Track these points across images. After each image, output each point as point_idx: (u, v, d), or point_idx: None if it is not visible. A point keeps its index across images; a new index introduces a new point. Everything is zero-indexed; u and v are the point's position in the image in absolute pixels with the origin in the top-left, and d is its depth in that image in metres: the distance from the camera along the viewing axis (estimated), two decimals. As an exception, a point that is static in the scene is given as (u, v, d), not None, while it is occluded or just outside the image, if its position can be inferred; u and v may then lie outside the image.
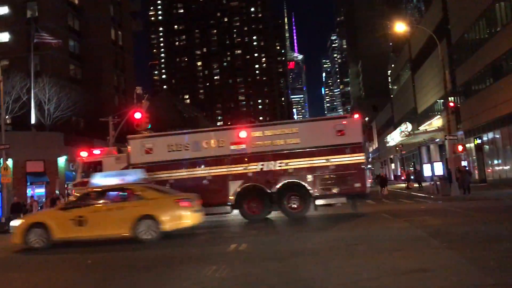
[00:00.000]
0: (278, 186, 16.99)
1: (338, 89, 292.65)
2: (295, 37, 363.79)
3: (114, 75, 54.73)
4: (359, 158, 16.68)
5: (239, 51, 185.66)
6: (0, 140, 25.80)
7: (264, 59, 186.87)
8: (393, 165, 76.43)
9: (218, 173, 17.33)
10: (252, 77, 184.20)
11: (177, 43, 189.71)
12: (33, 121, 34.46)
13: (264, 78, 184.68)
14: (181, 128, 50.13)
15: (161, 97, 76.76)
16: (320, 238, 11.52)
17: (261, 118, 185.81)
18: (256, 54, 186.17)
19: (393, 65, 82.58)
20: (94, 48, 49.86)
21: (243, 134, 17.47)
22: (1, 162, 25.06)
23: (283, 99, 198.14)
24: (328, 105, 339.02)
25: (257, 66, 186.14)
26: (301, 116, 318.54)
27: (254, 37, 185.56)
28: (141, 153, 17.69)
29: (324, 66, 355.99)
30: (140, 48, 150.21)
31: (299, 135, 17.22)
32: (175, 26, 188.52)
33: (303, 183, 16.88)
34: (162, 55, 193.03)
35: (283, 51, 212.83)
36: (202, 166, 17.53)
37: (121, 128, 28.97)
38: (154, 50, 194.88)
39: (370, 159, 32.89)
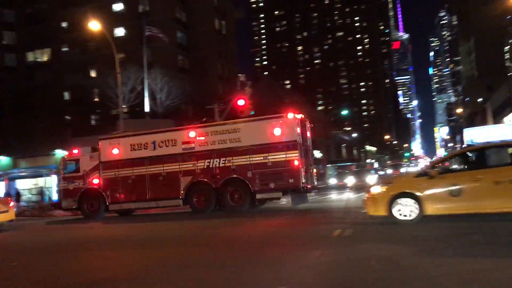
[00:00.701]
0: (222, 181, 18.26)
1: (448, 69, 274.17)
2: (399, 16, 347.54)
3: (219, 63, 56.68)
4: (293, 155, 17.45)
5: (340, 33, 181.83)
6: (119, 128, 28.20)
7: (366, 40, 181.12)
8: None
9: (171, 170, 19.05)
10: (354, 60, 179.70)
11: (277, 28, 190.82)
12: (147, 109, 37.02)
13: (367, 60, 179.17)
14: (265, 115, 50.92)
15: (263, 83, 78.01)
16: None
17: (364, 101, 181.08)
18: (358, 36, 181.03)
19: (510, 41, 75.34)
20: (199, 38, 52.05)
21: (192, 134, 19.00)
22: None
23: (387, 81, 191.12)
24: (436, 86, 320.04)
25: (359, 47, 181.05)
26: (407, 98, 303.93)
27: (356, 18, 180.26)
28: (109, 152, 20.06)
29: (432, 45, 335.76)
30: (242, 36, 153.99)
31: (240, 134, 18.39)
32: (276, 12, 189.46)
33: (244, 179, 18.02)
34: (263, 41, 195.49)
35: (387, 31, 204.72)
36: (158, 164, 19.25)
37: (226, 114, 30.04)
38: (256, 37, 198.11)
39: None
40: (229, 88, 52.45)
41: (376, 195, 11.02)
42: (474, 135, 30.71)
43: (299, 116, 18.43)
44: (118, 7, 48.25)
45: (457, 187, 10.05)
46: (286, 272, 6.97)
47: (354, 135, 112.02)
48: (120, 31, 47.11)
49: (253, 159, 18.17)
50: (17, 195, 31.88)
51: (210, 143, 18.79)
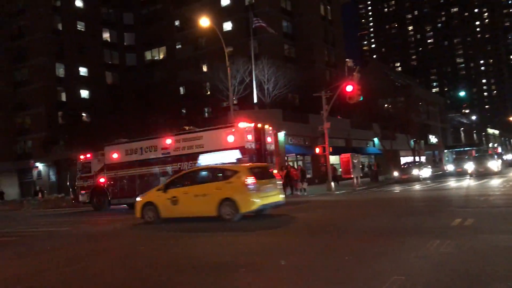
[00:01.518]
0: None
1: None
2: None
3: (325, 50, 55.98)
4: (243, 159, 18.52)
5: (455, 9, 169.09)
6: (230, 119, 29.22)
7: (486, 14, 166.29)
8: None
9: (153, 171, 22.60)
10: (471, 36, 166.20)
11: (385, 9, 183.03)
12: (255, 100, 37.86)
13: (486, 36, 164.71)
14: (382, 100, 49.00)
15: (372, 67, 75.49)
16: None
17: (484, 80, 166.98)
18: (476, 10, 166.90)
19: None
20: (305, 26, 51.82)
21: (168, 141, 22.40)
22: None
23: None
24: None
25: (477, 23, 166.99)
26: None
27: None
28: (111, 156, 24.17)
29: None
30: (348, 20, 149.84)
31: (203, 141, 21.38)
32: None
33: None
34: (371, 24, 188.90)
35: (510, 1, 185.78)
36: (144, 166, 22.95)
37: (334, 101, 29.60)
38: (363, 20, 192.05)
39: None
40: (337, 75, 51.61)
41: (138, 202, 15.30)
42: None
43: (251, 125, 20.86)
44: (225, 1, 49.81)
45: (175, 198, 14.10)
46: (403, 262, 6.71)
47: (474, 117, 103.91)
48: (228, 25, 48.63)
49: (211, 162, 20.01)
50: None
51: (181, 148, 22.04)
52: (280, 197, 14.76)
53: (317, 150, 31.09)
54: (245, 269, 7.22)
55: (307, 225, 12.36)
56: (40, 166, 50.16)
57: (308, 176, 33.45)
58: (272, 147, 22.51)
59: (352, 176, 33.00)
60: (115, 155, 24.36)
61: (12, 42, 53.33)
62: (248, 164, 15.61)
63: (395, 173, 37.02)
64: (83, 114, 51.37)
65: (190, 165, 21.07)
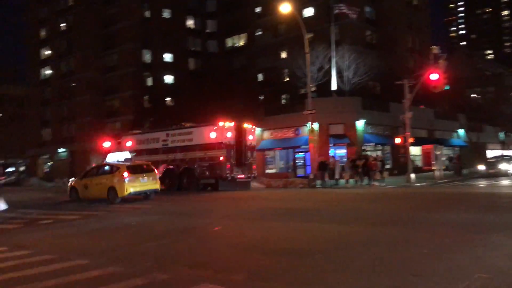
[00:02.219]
0: (180, 169, 25.78)
1: None
2: None
3: (409, 36, 53.72)
4: (220, 153, 24.02)
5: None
6: (308, 106, 29.13)
7: None
8: None
9: (156, 159, 25.64)
10: None
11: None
12: (334, 87, 37.34)
13: None
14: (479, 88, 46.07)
15: (459, 55, 71.37)
16: None
17: None
18: None
19: None
20: (388, 12, 49.98)
21: (165, 135, 26.97)
22: (309, 125, 28.32)
23: None
24: None
25: None
26: None
27: None
28: (125, 144, 29.05)
29: None
30: (435, 5, 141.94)
31: (192, 135, 25.63)
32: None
33: (192, 168, 25.35)
34: (461, 8, 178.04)
35: None
36: (149, 154, 27.00)
37: (417, 90, 28.46)
38: (451, 5, 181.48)
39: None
40: (421, 62, 49.46)
41: (68, 186, 22.07)
42: None
43: (231, 124, 24.63)
44: (307, -13, 49.27)
45: (86, 185, 20.17)
46: (487, 259, 6.45)
47: None
48: (308, 12, 48.08)
49: (198, 154, 25.17)
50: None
51: (176, 141, 26.32)
52: (156, 186, 19.96)
53: (398, 140, 30.17)
54: (321, 255, 7.30)
55: (383, 216, 12.16)
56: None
57: (387, 166, 32.60)
58: (253, 143, 26.50)
59: (433, 168, 31.72)
60: (128, 143, 29.10)
61: (104, 29, 56.60)
62: (127, 163, 20.29)
63: (481, 167, 34.98)
64: (167, 99, 53.57)
65: (182, 156, 25.84)
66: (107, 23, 56.51)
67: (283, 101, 50.36)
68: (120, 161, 21.31)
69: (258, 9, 54.33)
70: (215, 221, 12.29)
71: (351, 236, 9.07)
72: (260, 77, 54.01)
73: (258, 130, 39.93)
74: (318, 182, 27.15)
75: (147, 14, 55.77)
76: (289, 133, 38.02)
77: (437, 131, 45.42)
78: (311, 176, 27.52)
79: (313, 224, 10.87)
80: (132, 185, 18.73)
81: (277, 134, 39.08)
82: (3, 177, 51.02)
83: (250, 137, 25.85)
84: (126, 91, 53.95)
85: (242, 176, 25.32)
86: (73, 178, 23.41)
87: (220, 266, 7.01)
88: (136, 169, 19.50)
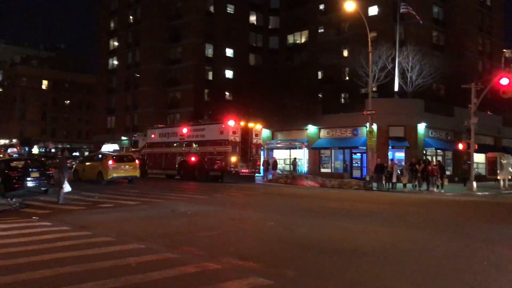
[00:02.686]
0: (193, 162, 28.70)
1: None
2: None
3: (479, 38, 51.28)
4: (226, 149, 26.64)
5: None
6: (367, 106, 28.58)
7: None
8: None
9: (173, 151, 30.55)
10: None
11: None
12: (396, 88, 36.38)
13: None
14: None
15: (534, 59, 67.17)
16: None
17: None
18: None
19: None
20: (458, 12, 47.95)
21: (184, 130, 30.13)
22: (367, 126, 27.79)
23: None
24: None
25: None
26: None
27: None
28: (150, 136, 33.12)
29: None
30: (510, 6, 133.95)
31: (204, 132, 28.78)
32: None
33: (202, 161, 28.24)
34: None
35: None
36: (168, 147, 31.13)
37: (485, 95, 27.17)
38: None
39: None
40: (491, 66, 47.13)
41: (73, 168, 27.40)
42: None
43: (237, 123, 27.16)
44: (372, -15, 48.16)
45: (83, 168, 25.79)
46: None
47: None
48: (373, 10, 46.98)
49: (208, 149, 28.07)
50: (274, 164, 35.73)
51: (191, 136, 29.50)
52: (136, 173, 24.77)
53: (460, 146, 28.98)
54: (375, 257, 7.19)
55: (440, 223, 11.76)
56: (185, 138, 54.48)
57: (447, 173, 31.41)
58: (259, 141, 29.09)
59: (498, 177, 30.20)
60: (152, 136, 32.88)
61: (169, 23, 58.18)
62: (114, 154, 25.80)
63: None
64: (226, 93, 54.35)
65: (195, 149, 28.90)
66: (173, 17, 58.03)
67: (342, 100, 49.68)
68: (109, 151, 29.07)
69: (321, 6, 53.80)
70: (268, 216, 12.38)
71: (407, 240, 8.86)
72: (320, 74, 53.54)
73: (314, 129, 39.73)
74: (375, 184, 26.65)
75: (212, 9, 56.72)
76: (347, 133, 37.46)
77: (504, 139, 43.15)
78: (367, 178, 27.04)
79: (368, 226, 10.70)
80: (115, 171, 23.77)
81: (334, 133, 38.62)
82: (69, 161, 53.90)
83: (256, 136, 28.62)
84: (188, 84, 55.24)
85: (246, 170, 28.12)
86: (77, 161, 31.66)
87: (271, 261, 7.07)
88: (119, 159, 24.86)
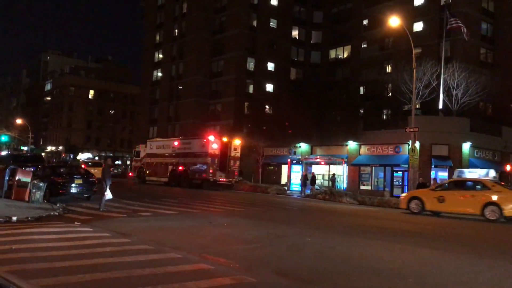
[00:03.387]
0: (181, 171, 33.15)
1: None
2: None
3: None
4: (207, 160, 31.09)
5: None
6: (410, 123, 27.96)
7: None
8: None
9: (165, 162, 35.25)
10: None
11: None
12: (440, 106, 35.44)
13: None
14: None
15: None
16: None
17: None
18: None
19: None
20: (507, 29, 46.46)
21: (175, 143, 35.22)
22: (410, 143, 27.15)
23: None
24: None
25: None
26: None
27: None
28: (148, 147, 38.19)
29: None
30: None
31: (190, 145, 33.46)
32: None
33: (187, 170, 32.68)
34: None
35: None
36: (162, 157, 35.92)
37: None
38: None
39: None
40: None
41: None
42: None
43: (217, 138, 32.14)
44: (419, 1, 47.39)
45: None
46: None
47: None
48: (418, 26, 46.19)
49: (192, 160, 32.58)
50: (313, 179, 35.41)
51: (180, 149, 34.19)
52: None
53: (508, 167, 27.84)
54: (414, 279, 6.96)
55: (485, 247, 11.26)
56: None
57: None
58: (238, 155, 33.35)
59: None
60: (151, 147, 37.75)
61: (213, 36, 59.24)
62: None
63: None
64: (266, 106, 54.57)
65: (182, 160, 33.44)
66: (217, 31, 59.06)
67: (384, 117, 48.85)
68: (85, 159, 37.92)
69: (365, 22, 53.41)
70: (305, 231, 12.23)
71: (449, 263, 8.53)
72: (361, 90, 52.96)
73: (355, 145, 39.17)
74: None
75: (255, 23, 57.37)
76: (388, 150, 36.75)
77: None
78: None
79: (406, 246, 10.38)
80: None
81: (375, 150, 37.97)
82: (112, 169, 55.70)
83: (235, 150, 32.99)
84: (228, 97, 55.87)
85: (224, 179, 32.33)
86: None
87: (306, 277, 6.96)
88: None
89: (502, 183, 21.44)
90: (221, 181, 31.85)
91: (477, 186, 19.35)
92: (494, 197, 18.08)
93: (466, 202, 18.79)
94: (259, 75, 56.54)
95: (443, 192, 19.69)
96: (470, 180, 20.36)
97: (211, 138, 31.84)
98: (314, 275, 7.14)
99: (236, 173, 33.56)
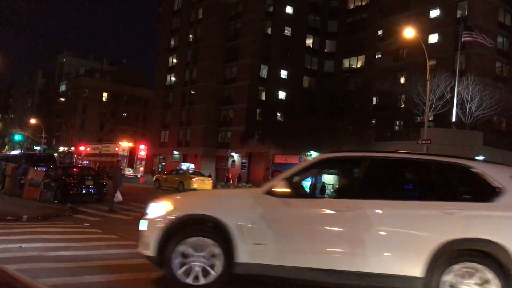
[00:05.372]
0: (101, 167, 41.28)
1: None
2: None
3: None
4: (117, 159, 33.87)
5: None
6: (423, 135, 27.78)
7: None
8: None
9: (95, 160, 47.82)
10: None
11: None
12: (453, 119, 35.18)
13: None
14: None
15: None
16: None
17: None
18: None
19: None
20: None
21: (99, 147, 52.31)
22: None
23: None
24: None
25: None
26: None
27: None
28: (86, 150, 54.58)
29: None
30: None
31: (109, 149, 47.42)
32: None
33: (106, 166, 42.03)
34: None
35: None
36: (93, 157, 49.81)
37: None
38: None
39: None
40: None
41: None
42: None
43: (128, 144, 45.75)
44: (435, 13, 47.22)
45: None
46: None
47: None
48: (433, 38, 45.99)
49: (108, 159, 42.21)
50: (322, 189, 35.27)
51: (103, 150, 48.59)
52: None
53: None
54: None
55: None
56: (235, 156, 55.04)
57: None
58: (143, 156, 46.43)
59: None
60: (88, 149, 53.59)
61: (227, 43, 59.54)
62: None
63: None
64: (278, 114, 54.60)
65: (104, 159, 45.90)
66: (232, 37, 59.36)
67: (396, 128, 48.63)
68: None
69: (380, 32, 53.37)
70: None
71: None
72: (374, 100, 52.81)
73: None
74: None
75: (269, 31, 57.57)
76: (399, 162, 36.46)
77: None
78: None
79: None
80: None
81: (386, 161, 37.70)
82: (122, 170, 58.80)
83: (142, 153, 46.25)
84: (241, 103, 56.02)
85: (131, 174, 43.65)
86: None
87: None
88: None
89: None
90: (129, 174, 42.31)
91: None
92: None
93: None
94: (272, 82, 56.65)
95: None
96: None
97: (122, 143, 45.95)
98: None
99: (141, 170, 45.97)
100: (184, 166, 45.56)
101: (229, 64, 59.10)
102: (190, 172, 34.90)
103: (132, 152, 44.21)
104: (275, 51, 56.80)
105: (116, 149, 44.10)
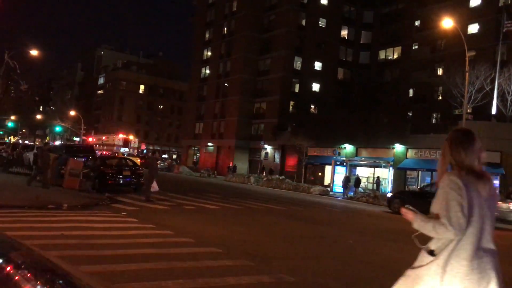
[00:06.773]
0: (104, 154, 44.08)
1: None
2: None
3: None
4: (113, 148, 53.38)
5: None
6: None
7: None
8: None
9: (99, 148, 50.59)
10: None
11: None
12: (494, 111, 34.12)
13: None
14: None
15: None
16: None
17: None
18: None
19: None
20: None
21: (103, 137, 59.43)
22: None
23: None
24: None
25: None
26: None
27: None
28: (96, 140, 61.65)
29: None
30: None
31: (109, 139, 56.59)
32: None
33: (109, 153, 49.94)
34: None
35: None
36: (99, 145, 55.02)
37: None
38: None
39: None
40: None
41: None
42: None
43: (123, 136, 54.63)
44: (475, 2, 45.69)
45: None
46: None
47: None
48: (473, 28, 44.55)
49: (108, 148, 53.00)
50: (357, 181, 34.95)
51: (104, 141, 57.28)
52: None
53: None
54: None
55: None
56: (268, 148, 55.13)
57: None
58: (136, 146, 55.57)
59: None
60: (91, 139, 61.80)
61: (261, 35, 59.46)
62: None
63: None
64: (311, 106, 54.24)
65: (105, 148, 53.54)
66: (265, 29, 59.23)
67: (433, 120, 47.50)
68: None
69: (417, 23, 52.05)
70: (346, 234, 12.13)
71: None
72: (411, 92, 51.68)
73: (401, 148, 38.31)
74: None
75: (303, 22, 57.11)
76: (437, 155, 35.67)
77: None
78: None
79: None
80: None
81: (422, 154, 37.02)
82: (159, 162, 59.50)
83: (133, 144, 54.60)
84: (274, 95, 55.92)
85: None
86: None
87: (349, 280, 6.91)
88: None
89: None
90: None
91: None
92: None
93: None
94: (305, 74, 56.27)
95: None
96: None
97: (119, 135, 54.36)
98: (356, 278, 7.08)
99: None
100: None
101: (263, 56, 59.06)
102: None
103: (126, 141, 53.58)
104: (309, 43, 56.32)
105: (114, 139, 53.67)
